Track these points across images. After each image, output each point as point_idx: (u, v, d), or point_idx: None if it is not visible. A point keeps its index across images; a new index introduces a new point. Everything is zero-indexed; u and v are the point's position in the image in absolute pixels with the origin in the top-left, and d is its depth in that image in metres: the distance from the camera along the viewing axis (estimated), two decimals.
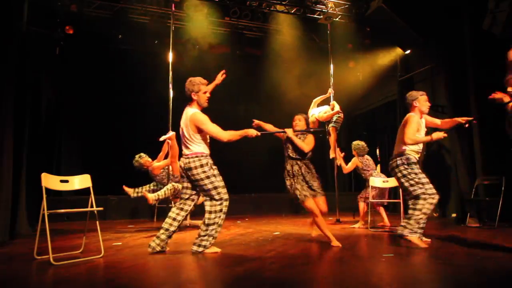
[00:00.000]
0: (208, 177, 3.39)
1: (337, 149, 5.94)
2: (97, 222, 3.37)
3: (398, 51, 7.78)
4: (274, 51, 8.37)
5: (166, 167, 5.53)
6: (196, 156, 3.43)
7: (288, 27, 8.18)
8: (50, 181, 3.23)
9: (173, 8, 6.33)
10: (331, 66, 7.01)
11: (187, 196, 3.54)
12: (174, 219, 3.49)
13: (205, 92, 3.59)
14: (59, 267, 2.87)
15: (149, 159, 5.48)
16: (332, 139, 5.95)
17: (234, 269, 2.80)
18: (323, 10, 7.58)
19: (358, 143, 5.74)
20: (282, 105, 8.32)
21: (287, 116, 8.09)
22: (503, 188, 5.07)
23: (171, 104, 5.71)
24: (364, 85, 9.16)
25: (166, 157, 5.52)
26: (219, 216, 3.41)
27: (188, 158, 3.43)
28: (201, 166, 3.39)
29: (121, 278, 2.54)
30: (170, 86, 5.77)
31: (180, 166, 3.50)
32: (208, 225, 3.39)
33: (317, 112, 6.03)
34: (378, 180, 5.48)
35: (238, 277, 2.57)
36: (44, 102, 6.31)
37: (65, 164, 7.61)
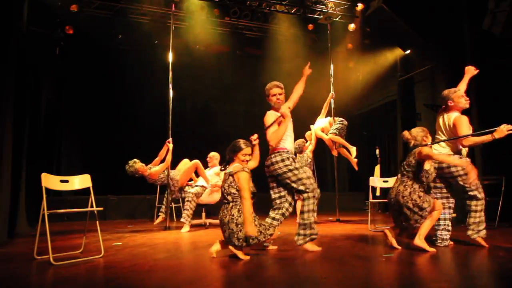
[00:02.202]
0: (290, 170, 3.45)
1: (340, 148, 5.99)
2: (97, 222, 3.36)
3: (398, 51, 7.78)
4: (274, 51, 8.38)
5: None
6: (277, 152, 3.52)
7: (288, 27, 8.19)
8: (50, 181, 3.22)
9: (173, 8, 6.33)
10: (331, 66, 7.01)
11: (276, 196, 3.64)
12: (273, 219, 3.60)
13: (273, 95, 3.82)
14: (59, 267, 2.87)
15: (143, 165, 5.48)
16: (327, 139, 5.97)
17: (234, 269, 2.80)
18: (323, 10, 7.59)
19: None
20: None
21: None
22: (503, 188, 5.07)
23: (171, 104, 5.70)
24: (364, 85, 9.16)
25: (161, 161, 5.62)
26: (309, 205, 3.47)
27: (269, 155, 3.57)
28: (282, 160, 3.47)
29: (121, 278, 2.54)
30: (170, 86, 5.76)
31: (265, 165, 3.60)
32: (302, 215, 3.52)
33: (315, 126, 6.08)
34: (378, 180, 5.48)
35: (238, 277, 2.57)
36: (44, 102, 6.31)
37: (65, 164, 7.63)
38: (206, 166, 5.96)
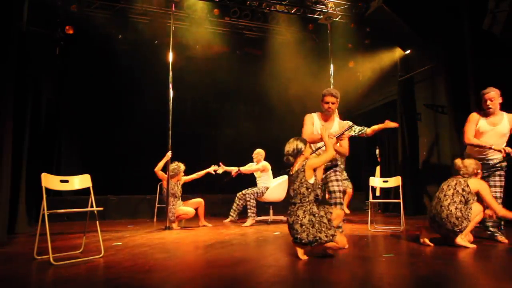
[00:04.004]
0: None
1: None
2: (97, 222, 3.36)
3: (398, 51, 7.78)
4: (274, 51, 8.38)
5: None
6: None
7: (288, 27, 8.19)
8: (50, 181, 3.22)
9: (173, 8, 6.33)
10: (331, 66, 7.00)
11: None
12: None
13: (326, 103, 3.95)
14: (59, 267, 2.87)
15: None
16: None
17: (234, 269, 2.80)
18: (323, 10, 7.59)
19: None
20: (282, 105, 8.32)
21: (286, 115, 8.15)
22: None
23: (171, 104, 5.70)
24: (364, 85, 9.17)
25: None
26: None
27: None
28: None
29: (121, 278, 2.54)
30: (170, 86, 5.76)
31: None
32: None
33: None
34: (378, 180, 5.48)
35: (238, 277, 2.57)
36: (44, 102, 6.30)
37: (65, 164, 7.62)
38: (240, 163, 6.40)
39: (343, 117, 6.52)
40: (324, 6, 7.59)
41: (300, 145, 3.27)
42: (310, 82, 8.14)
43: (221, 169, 6.12)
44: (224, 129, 8.74)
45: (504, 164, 3.85)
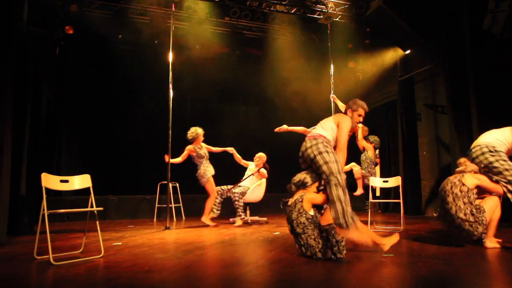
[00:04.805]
0: (320, 153, 3.26)
1: None
2: (97, 222, 3.36)
3: (398, 51, 7.78)
4: (274, 51, 8.38)
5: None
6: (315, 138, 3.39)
7: (288, 27, 8.19)
8: (50, 181, 3.22)
9: (173, 8, 6.33)
10: (331, 66, 7.01)
11: None
12: None
13: (360, 115, 3.61)
14: (59, 267, 2.87)
15: (201, 138, 6.04)
16: None
17: (234, 269, 2.80)
18: (323, 10, 7.59)
19: None
20: (282, 105, 8.32)
21: (286, 115, 8.14)
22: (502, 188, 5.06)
23: (171, 104, 5.70)
24: (364, 85, 9.16)
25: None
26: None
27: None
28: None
29: (121, 278, 2.54)
30: (170, 86, 5.76)
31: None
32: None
33: None
34: (378, 180, 5.48)
35: (238, 277, 2.57)
36: (44, 102, 6.29)
37: (65, 164, 7.63)
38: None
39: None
40: (324, 6, 7.59)
41: (308, 179, 3.26)
42: (310, 82, 8.15)
43: (231, 150, 6.40)
44: (224, 129, 8.74)
45: None
